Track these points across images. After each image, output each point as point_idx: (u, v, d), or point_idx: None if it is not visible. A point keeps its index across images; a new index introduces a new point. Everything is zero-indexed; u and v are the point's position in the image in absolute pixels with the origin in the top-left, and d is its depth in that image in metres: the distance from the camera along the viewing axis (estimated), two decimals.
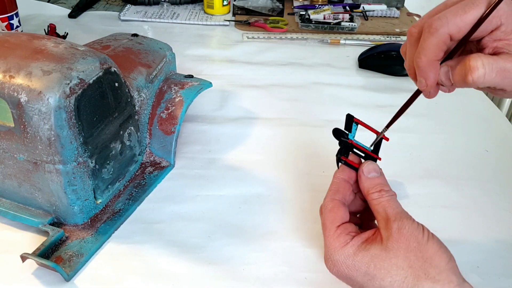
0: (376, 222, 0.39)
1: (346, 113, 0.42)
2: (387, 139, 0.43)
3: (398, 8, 1.10)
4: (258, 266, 0.47)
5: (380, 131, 0.42)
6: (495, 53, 0.36)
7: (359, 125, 0.42)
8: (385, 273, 0.36)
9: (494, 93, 0.39)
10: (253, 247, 0.49)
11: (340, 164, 0.42)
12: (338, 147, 0.42)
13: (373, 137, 0.43)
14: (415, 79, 0.39)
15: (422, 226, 0.37)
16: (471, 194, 0.57)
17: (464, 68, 0.35)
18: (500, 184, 0.58)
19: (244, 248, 0.49)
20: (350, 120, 0.42)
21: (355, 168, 0.42)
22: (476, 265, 0.47)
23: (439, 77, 0.37)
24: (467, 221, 0.53)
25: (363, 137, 0.43)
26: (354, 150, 0.42)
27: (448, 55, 0.37)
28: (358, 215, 0.44)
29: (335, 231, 0.39)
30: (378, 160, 0.42)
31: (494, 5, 0.34)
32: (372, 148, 0.43)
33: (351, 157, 0.42)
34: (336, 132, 0.42)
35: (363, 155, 0.42)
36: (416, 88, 0.40)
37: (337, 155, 0.42)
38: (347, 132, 0.42)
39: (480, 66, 0.34)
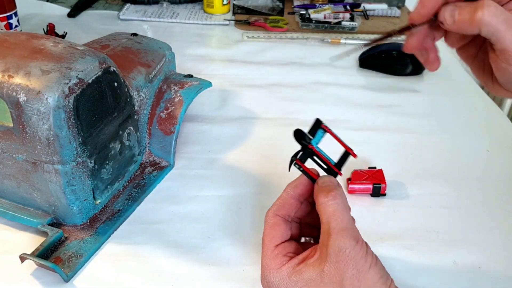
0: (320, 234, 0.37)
1: (316, 118, 0.39)
2: (354, 156, 0.40)
3: (399, 7, 1.09)
4: (257, 267, 0.46)
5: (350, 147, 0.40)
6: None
7: (327, 133, 0.39)
8: None
9: (496, 71, 0.38)
10: (253, 248, 0.49)
11: (291, 167, 0.39)
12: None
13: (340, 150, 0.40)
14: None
15: (366, 248, 0.35)
16: (471, 194, 0.56)
17: (476, 5, 0.34)
18: (501, 184, 0.58)
19: (244, 249, 0.49)
20: (317, 125, 0.39)
21: (311, 178, 0.39)
22: (477, 266, 0.47)
23: (442, 14, 0.36)
24: (468, 221, 0.53)
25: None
26: (314, 158, 0.39)
27: None
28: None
29: (273, 251, 0.37)
30: (339, 176, 0.39)
31: None
32: (336, 162, 0.40)
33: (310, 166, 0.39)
34: (298, 134, 0.39)
35: (324, 166, 0.39)
36: None
37: (292, 157, 0.39)
38: (310, 137, 0.39)
39: (492, 5, 0.34)
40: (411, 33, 0.39)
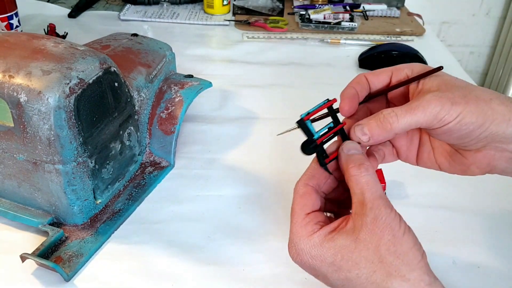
0: (352, 204, 0.37)
1: (296, 121, 0.39)
2: (335, 101, 0.40)
3: (398, 8, 1.09)
4: (258, 267, 0.47)
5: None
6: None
7: (311, 119, 0.39)
8: (352, 265, 0.34)
9: (461, 157, 0.41)
10: (253, 248, 0.49)
11: (325, 165, 0.39)
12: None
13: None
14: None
15: (400, 216, 0.35)
16: (471, 194, 0.57)
17: (378, 116, 0.37)
18: (501, 184, 0.58)
19: (244, 249, 0.49)
20: (304, 125, 0.39)
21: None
22: (477, 266, 0.47)
23: (354, 135, 0.38)
24: (467, 221, 0.53)
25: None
26: (323, 142, 0.39)
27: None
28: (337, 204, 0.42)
29: (304, 218, 0.37)
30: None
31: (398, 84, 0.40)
32: (332, 124, 0.40)
33: (332, 146, 0.39)
34: (305, 147, 0.39)
35: (333, 136, 0.40)
36: None
37: (320, 164, 0.39)
38: (312, 136, 0.39)
39: (389, 110, 0.37)
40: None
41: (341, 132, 0.40)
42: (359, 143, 0.38)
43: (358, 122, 0.38)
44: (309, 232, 0.36)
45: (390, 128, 0.37)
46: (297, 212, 0.37)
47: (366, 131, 0.38)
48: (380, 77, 0.41)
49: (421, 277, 0.34)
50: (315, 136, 0.39)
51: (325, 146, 0.40)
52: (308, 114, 0.38)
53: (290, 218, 0.38)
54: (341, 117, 0.40)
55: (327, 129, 0.39)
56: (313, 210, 0.38)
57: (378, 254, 0.34)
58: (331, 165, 0.39)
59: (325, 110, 0.40)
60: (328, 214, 0.42)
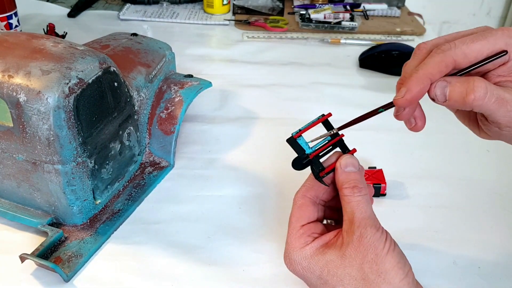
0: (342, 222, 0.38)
1: (286, 140, 0.39)
2: (329, 115, 0.40)
3: (399, 8, 1.09)
4: (258, 267, 0.47)
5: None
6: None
7: (302, 135, 0.40)
8: (337, 281, 0.36)
9: (483, 127, 0.39)
10: (253, 248, 0.49)
11: (321, 178, 0.40)
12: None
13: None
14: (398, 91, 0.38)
15: (386, 235, 0.37)
16: (471, 195, 0.56)
17: (467, 86, 0.35)
18: (501, 184, 0.58)
19: (244, 249, 0.49)
20: (293, 142, 0.39)
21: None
22: (477, 266, 0.47)
23: (434, 91, 0.36)
24: (468, 222, 0.53)
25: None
26: (319, 156, 0.40)
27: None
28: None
29: (298, 230, 0.39)
30: (342, 137, 0.40)
31: (498, 54, 0.35)
32: (329, 137, 0.40)
33: (330, 159, 0.40)
34: (297, 163, 0.39)
35: (328, 149, 0.40)
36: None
37: (315, 177, 0.39)
38: (304, 153, 0.39)
39: (483, 88, 0.35)
40: (404, 113, 0.40)
41: (340, 145, 0.40)
42: (433, 99, 0.37)
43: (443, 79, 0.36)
44: (302, 244, 0.38)
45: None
46: (293, 223, 0.39)
47: (447, 94, 0.36)
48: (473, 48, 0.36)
49: None
50: (308, 151, 0.40)
51: (328, 156, 0.40)
52: (299, 131, 0.39)
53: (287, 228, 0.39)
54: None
55: (326, 142, 0.40)
56: (308, 221, 0.39)
57: (362, 272, 0.35)
58: (330, 177, 0.40)
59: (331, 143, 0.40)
60: (328, 221, 0.43)
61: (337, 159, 0.40)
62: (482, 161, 0.62)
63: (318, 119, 0.40)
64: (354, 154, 0.41)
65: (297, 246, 0.38)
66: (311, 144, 0.40)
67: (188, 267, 0.46)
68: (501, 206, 0.55)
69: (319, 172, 0.39)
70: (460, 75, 0.37)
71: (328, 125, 0.40)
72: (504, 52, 0.36)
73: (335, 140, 0.40)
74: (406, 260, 0.37)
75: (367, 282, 0.35)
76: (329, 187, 0.40)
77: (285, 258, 0.39)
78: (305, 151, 0.39)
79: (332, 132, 0.40)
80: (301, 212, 0.39)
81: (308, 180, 0.41)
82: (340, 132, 0.40)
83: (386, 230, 0.37)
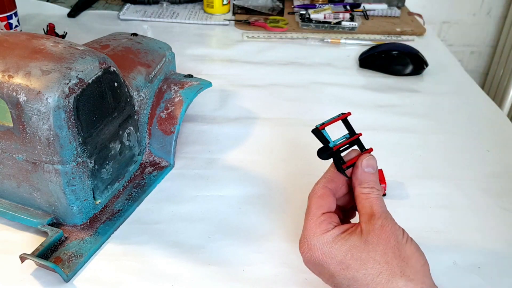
0: (359, 216, 0.39)
1: (311, 130, 0.41)
2: (349, 114, 0.42)
3: (399, 7, 1.09)
4: (258, 267, 0.47)
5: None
6: None
7: (326, 128, 0.41)
8: (361, 265, 0.36)
9: None
10: (253, 248, 0.49)
11: (344, 170, 0.41)
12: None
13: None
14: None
15: (403, 229, 0.38)
16: (471, 195, 0.56)
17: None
18: (500, 184, 0.58)
19: (244, 249, 0.49)
20: (319, 133, 0.41)
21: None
22: (477, 266, 0.47)
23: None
24: (468, 221, 0.53)
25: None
26: (340, 150, 0.41)
27: None
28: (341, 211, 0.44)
29: (319, 217, 0.39)
30: (360, 136, 0.42)
31: None
32: (349, 134, 0.42)
33: (350, 154, 0.41)
34: (322, 153, 0.41)
35: (348, 146, 0.42)
36: None
37: (338, 169, 0.41)
38: (328, 143, 0.41)
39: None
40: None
41: (357, 142, 0.42)
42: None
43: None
44: (323, 230, 0.38)
45: None
46: (313, 211, 0.40)
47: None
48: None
49: (423, 280, 0.36)
50: (331, 144, 0.41)
51: (343, 153, 0.42)
52: (323, 124, 0.41)
53: (304, 216, 0.40)
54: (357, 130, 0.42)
55: (344, 139, 0.42)
56: (329, 210, 0.40)
57: (385, 257, 0.36)
58: (348, 171, 0.41)
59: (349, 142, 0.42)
60: None
61: (357, 156, 0.41)
62: (482, 161, 0.62)
63: (339, 116, 0.42)
64: (371, 153, 0.42)
65: (318, 232, 0.38)
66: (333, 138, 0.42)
67: (188, 267, 0.46)
68: (501, 206, 0.55)
69: (342, 164, 0.40)
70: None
71: (346, 123, 0.42)
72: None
73: (354, 138, 0.42)
74: (422, 252, 0.37)
75: (391, 266, 0.36)
76: (345, 182, 0.41)
77: (302, 244, 0.39)
78: (329, 142, 0.41)
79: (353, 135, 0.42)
80: (322, 201, 0.40)
81: (329, 173, 0.41)
82: (357, 132, 0.42)
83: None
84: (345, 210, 0.43)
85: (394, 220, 0.38)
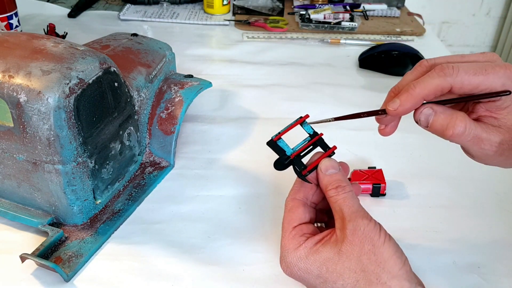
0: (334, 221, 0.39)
1: (266, 143, 0.41)
2: (307, 116, 0.42)
3: (398, 8, 1.09)
4: (258, 267, 0.47)
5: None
6: (477, 119, 0.38)
7: (282, 137, 0.41)
8: (337, 276, 0.36)
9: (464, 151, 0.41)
10: (253, 248, 0.49)
11: (304, 176, 0.41)
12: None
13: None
14: (389, 100, 0.39)
15: (380, 226, 0.37)
16: (471, 194, 0.57)
17: (449, 120, 0.37)
18: (501, 184, 0.58)
19: (244, 249, 0.49)
20: (274, 145, 0.41)
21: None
22: (477, 266, 0.47)
23: (419, 116, 0.39)
24: (467, 221, 0.53)
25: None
26: (300, 156, 0.41)
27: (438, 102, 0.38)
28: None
29: (290, 232, 0.39)
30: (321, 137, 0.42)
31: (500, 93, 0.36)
32: (309, 137, 0.42)
33: (312, 158, 0.41)
34: (279, 164, 0.41)
35: (308, 149, 0.42)
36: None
37: (298, 176, 0.41)
38: (284, 154, 0.41)
39: (462, 126, 0.37)
40: (385, 119, 0.42)
41: (320, 143, 0.42)
42: (416, 122, 0.39)
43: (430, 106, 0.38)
44: (295, 245, 0.38)
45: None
46: (285, 227, 0.39)
47: (430, 122, 0.39)
48: (471, 80, 0.36)
49: (401, 284, 0.35)
50: (288, 152, 0.41)
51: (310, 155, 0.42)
52: (279, 134, 0.41)
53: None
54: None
55: (304, 143, 0.41)
56: (300, 223, 0.39)
57: (360, 264, 0.36)
58: (314, 176, 0.41)
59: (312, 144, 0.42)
60: (319, 224, 0.44)
61: (320, 158, 0.41)
62: None
63: (296, 121, 0.42)
64: (335, 151, 0.42)
65: (291, 248, 0.38)
66: (292, 146, 0.41)
67: (188, 267, 0.46)
68: (501, 206, 0.55)
69: (301, 171, 0.40)
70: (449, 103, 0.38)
71: (306, 127, 0.42)
72: (507, 92, 0.36)
73: (315, 140, 0.41)
74: (401, 251, 0.37)
75: (366, 273, 0.35)
76: (316, 187, 0.41)
77: (281, 263, 0.39)
78: (285, 152, 0.40)
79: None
80: (292, 214, 0.40)
81: (296, 183, 0.41)
82: (319, 132, 0.42)
83: (378, 222, 0.37)
84: (329, 211, 0.42)
85: (367, 217, 0.37)
